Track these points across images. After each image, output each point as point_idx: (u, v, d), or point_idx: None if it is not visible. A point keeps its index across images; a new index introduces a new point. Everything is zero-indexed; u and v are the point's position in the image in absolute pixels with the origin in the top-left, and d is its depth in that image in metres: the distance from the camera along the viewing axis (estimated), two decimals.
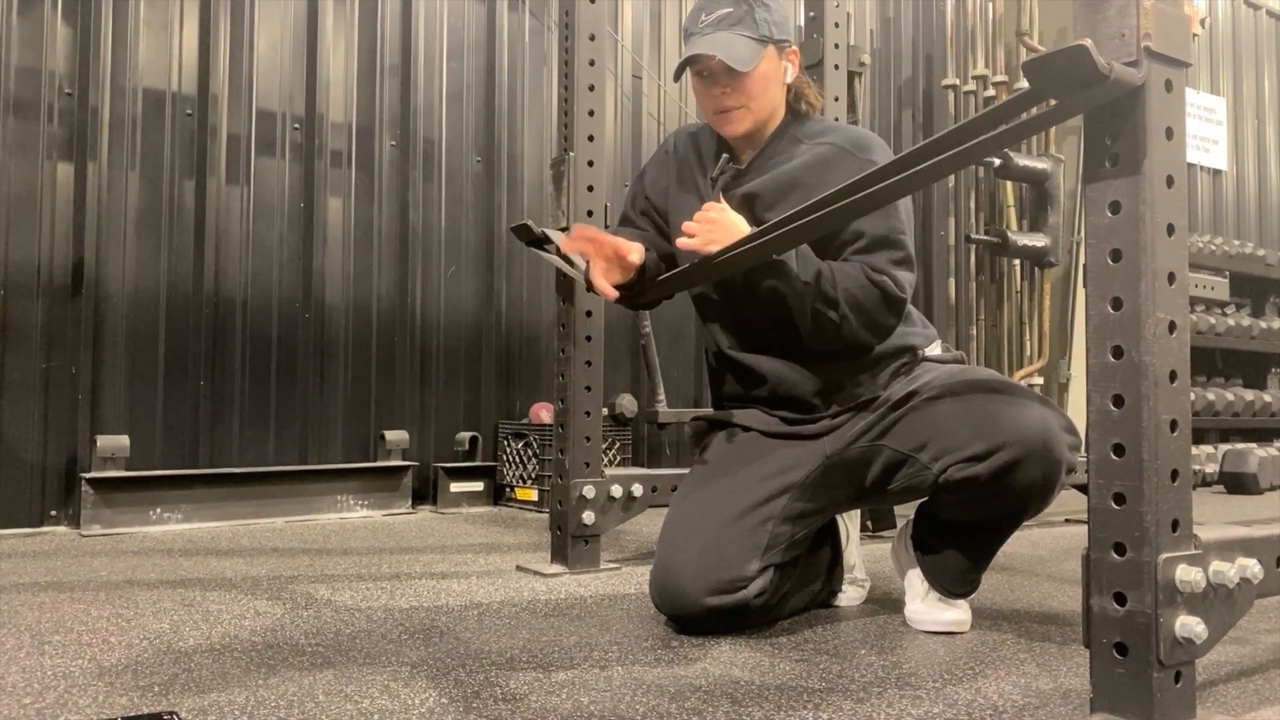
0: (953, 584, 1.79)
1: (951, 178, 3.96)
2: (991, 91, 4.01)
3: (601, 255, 1.78)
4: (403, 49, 3.78)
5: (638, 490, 2.42)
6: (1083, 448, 1.75)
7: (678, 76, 1.84)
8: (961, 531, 1.78)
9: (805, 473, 1.80)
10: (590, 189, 2.39)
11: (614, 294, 1.80)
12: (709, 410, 2.05)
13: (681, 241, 1.74)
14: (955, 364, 1.87)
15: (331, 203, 3.59)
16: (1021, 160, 3.72)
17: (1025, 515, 1.74)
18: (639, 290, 1.85)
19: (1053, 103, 1.20)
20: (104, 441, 3.06)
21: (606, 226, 2.40)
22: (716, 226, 1.71)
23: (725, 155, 1.90)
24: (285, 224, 3.49)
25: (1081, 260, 3.85)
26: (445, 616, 1.84)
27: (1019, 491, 1.66)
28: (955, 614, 1.78)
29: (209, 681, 1.40)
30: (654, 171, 2.02)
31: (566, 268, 2.11)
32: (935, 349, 1.90)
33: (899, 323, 1.80)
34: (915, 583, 1.83)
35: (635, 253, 1.79)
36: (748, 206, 1.82)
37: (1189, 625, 1.12)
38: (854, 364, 1.82)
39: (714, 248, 1.70)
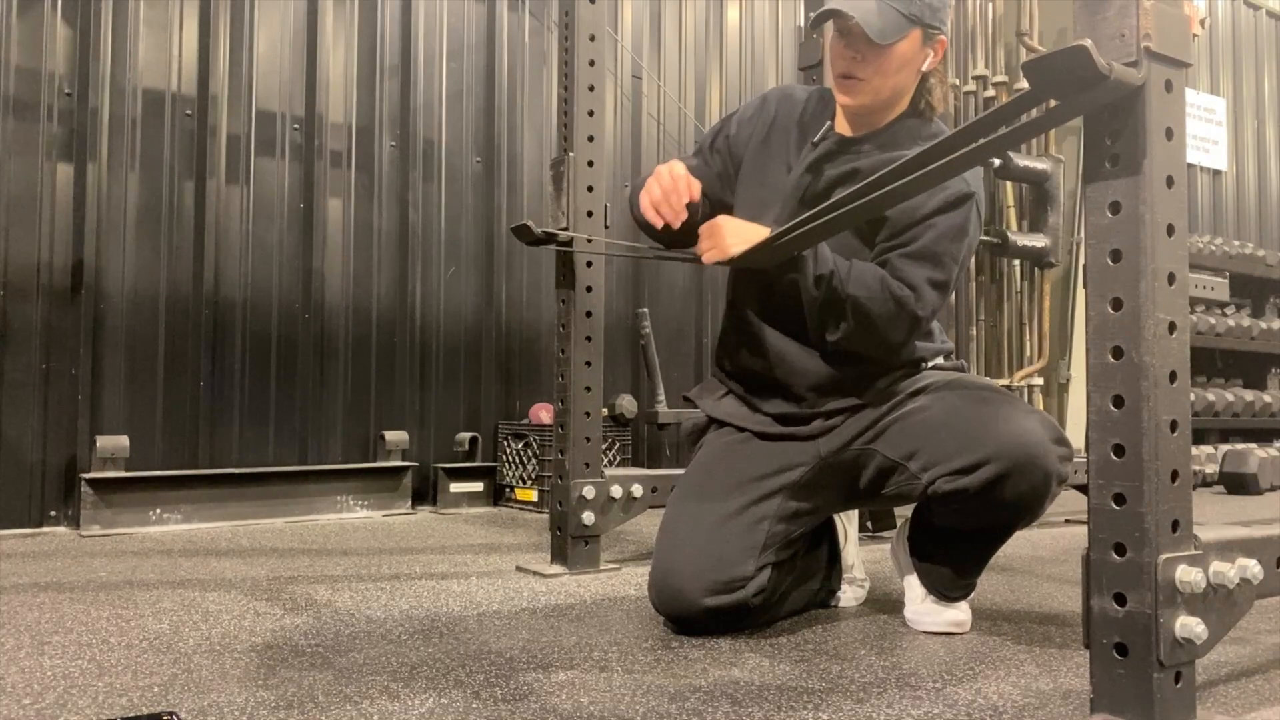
0: (948, 588, 1.79)
1: None
2: (991, 92, 4.01)
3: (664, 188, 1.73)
4: (403, 49, 3.78)
5: (638, 491, 2.42)
6: (1075, 456, 1.74)
7: (815, 26, 1.76)
8: (954, 538, 1.78)
9: (800, 473, 1.80)
10: (590, 189, 2.39)
11: (683, 214, 1.72)
12: (706, 406, 2.02)
13: (705, 256, 1.72)
14: (955, 372, 1.86)
15: (331, 203, 3.59)
16: (1021, 161, 3.71)
17: (1016, 526, 1.73)
18: (680, 233, 1.80)
19: (1053, 104, 1.20)
20: (104, 441, 3.06)
21: (607, 227, 2.41)
22: (718, 233, 1.70)
23: (829, 124, 1.82)
24: (285, 224, 3.49)
25: (1081, 260, 3.85)
26: (445, 617, 1.84)
27: (1008, 504, 1.65)
28: (955, 614, 1.78)
29: (209, 681, 1.40)
30: (746, 119, 1.93)
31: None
32: (938, 358, 1.89)
33: (909, 342, 1.74)
34: (914, 584, 1.83)
35: (696, 187, 1.73)
36: (840, 185, 1.75)
37: (1189, 626, 1.12)
38: (858, 366, 1.80)
39: (736, 249, 1.68)
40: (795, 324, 1.81)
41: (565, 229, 2.36)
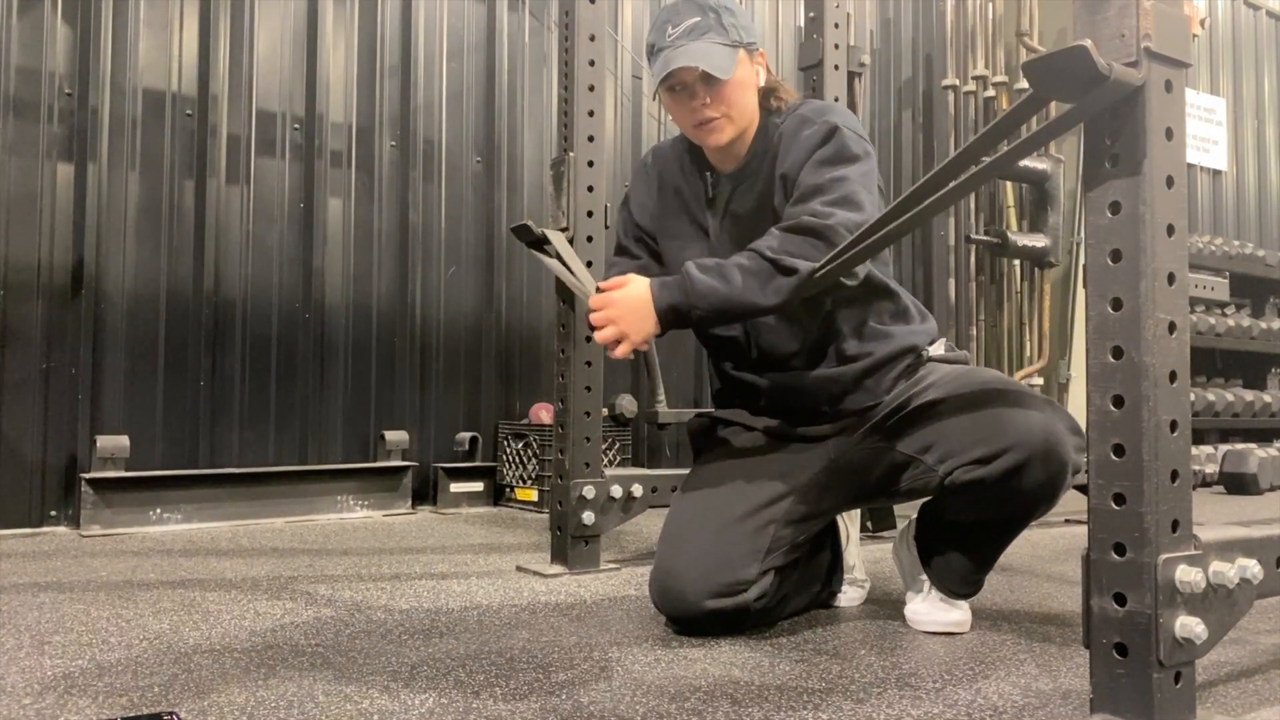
0: (957, 585, 1.78)
1: None
2: (991, 92, 4.01)
3: None
4: (403, 49, 3.78)
5: (638, 490, 2.42)
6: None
7: (658, 93, 1.82)
8: (966, 532, 1.77)
9: (808, 476, 1.80)
10: (590, 189, 2.39)
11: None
12: (711, 409, 2.04)
13: (616, 352, 1.73)
14: (960, 364, 1.86)
15: (331, 203, 3.59)
16: (1021, 161, 3.71)
17: (1032, 516, 1.72)
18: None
19: (1052, 112, 1.20)
20: (104, 441, 3.06)
21: (607, 227, 2.41)
22: (618, 321, 1.70)
23: (709, 174, 1.88)
24: (285, 224, 3.49)
25: (1081, 261, 3.85)
26: (445, 617, 1.84)
27: (1025, 493, 1.65)
28: (955, 614, 1.78)
29: (209, 681, 1.40)
30: (638, 195, 1.99)
31: (567, 276, 2.11)
32: (939, 348, 1.86)
33: (830, 245, 1.63)
34: (917, 585, 1.83)
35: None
36: (761, 210, 1.81)
37: (1189, 626, 1.12)
38: (858, 370, 1.80)
39: (632, 340, 1.70)
40: (781, 358, 1.83)
41: (565, 229, 2.36)
